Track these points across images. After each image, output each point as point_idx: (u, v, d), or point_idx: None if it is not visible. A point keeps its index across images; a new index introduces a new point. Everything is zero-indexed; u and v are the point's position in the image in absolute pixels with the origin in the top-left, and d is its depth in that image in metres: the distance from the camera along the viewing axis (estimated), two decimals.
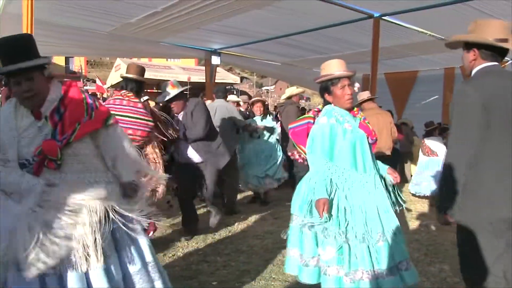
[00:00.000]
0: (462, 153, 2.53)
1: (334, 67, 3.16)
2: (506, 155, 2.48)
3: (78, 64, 25.31)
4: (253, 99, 7.51)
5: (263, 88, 26.77)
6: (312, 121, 3.31)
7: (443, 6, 6.32)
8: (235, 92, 14.62)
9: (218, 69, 13.89)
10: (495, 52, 2.57)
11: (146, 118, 4.55)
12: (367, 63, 8.00)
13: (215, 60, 10.36)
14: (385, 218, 2.99)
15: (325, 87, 3.17)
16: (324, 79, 3.16)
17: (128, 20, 7.23)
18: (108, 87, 17.19)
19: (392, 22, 7.36)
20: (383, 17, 7.15)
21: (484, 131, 2.47)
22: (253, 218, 6.19)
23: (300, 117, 3.59)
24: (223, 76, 16.07)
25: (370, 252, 2.90)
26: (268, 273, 4.11)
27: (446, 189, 2.60)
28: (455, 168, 2.53)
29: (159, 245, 4.91)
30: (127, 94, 4.59)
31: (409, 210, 6.66)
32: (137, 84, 4.72)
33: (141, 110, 4.54)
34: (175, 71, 15.56)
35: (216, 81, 11.82)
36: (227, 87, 14.49)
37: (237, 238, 5.33)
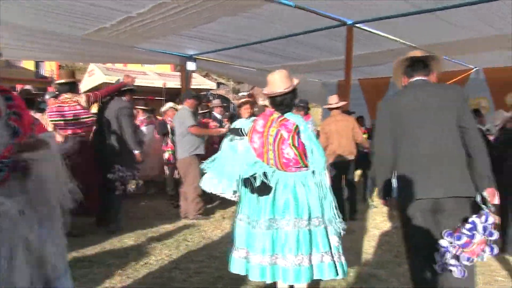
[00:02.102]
0: (378, 156, 3.24)
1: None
2: (415, 154, 3.06)
3: (49, 68, 24.63)
4: (240, 101, 7.46)
5: (240, 94, 26.72)
6: (300, 129, 3.49)
7: (412, 15, 6.46)
8: (211, 98, 14.58)
9: (194, 75, 13.82)
10: (417, 69, 3.22)
11: (84, 116, 5.67)
12: (342, 70, 8.08)
13: (191, 66, 10.34)
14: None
15: (296, 95, 3.55)
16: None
17: (102, 24, 7.14)
18: (81, 93, 16.89)
19: (365, 30, 7.45)
20: (356, 25, 7.25)
21: (398, 135, 3.12)
22: (227, 224, 6.17)
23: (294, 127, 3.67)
24: (199, 82, 16.01)
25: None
26: (241, 279, 4.08)
27: (378, 182, 3.25)
28: (377, 168, 3.24)
29: (131, 253, 4.87)
30: (65, 100, 5.63)
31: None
32: (70, 86, 5.80)
33: (79, 111, 5.63)
34: (151, 76, 15.42)
35: (192, 87, 11.79)
36: (203, 93, 14.48)
37: (211, 244, 5.32)
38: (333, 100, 6.77)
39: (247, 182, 3.40)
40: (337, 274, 3.30)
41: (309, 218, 3.27)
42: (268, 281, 3.30)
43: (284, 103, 3.45)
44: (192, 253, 4.97)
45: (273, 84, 3.46)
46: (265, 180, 3.34)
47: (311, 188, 3.33)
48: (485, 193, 3.00)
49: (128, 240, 5.41)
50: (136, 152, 6.01)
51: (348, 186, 6.90)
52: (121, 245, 5.22)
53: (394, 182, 3.22)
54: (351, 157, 6.66)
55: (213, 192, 5.83)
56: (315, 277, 3.28)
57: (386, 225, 6.35)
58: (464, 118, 3.06)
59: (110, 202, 5.87)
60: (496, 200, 3.05)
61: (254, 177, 3.38)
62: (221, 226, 6.13)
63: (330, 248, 3.31)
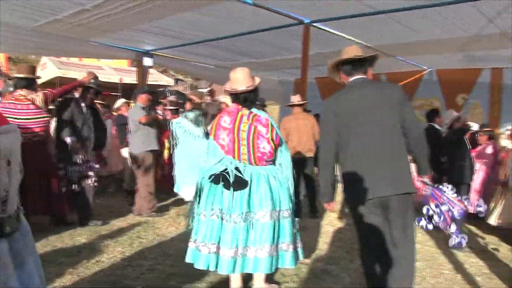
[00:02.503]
0: (322, 155, 3.26)
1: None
2: (359, 152, 3.12)
3: None
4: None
5: (198, 90, 26.58)
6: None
7: (368, 16, 6.58)
8: (168, 94, 14.38)
9: (152, 70, 13.65)
10: (355, 67, 3.25)
11: (38, 116, 5.36)
12: (299, 68, 8.15)
13: (147, 61, 10.19)
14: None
15: (258, 93, 3.64)
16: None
17: (54, 16, 6.93)
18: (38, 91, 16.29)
19: (322, 29, 7.54)
20: (313, 24, 7.32)
21: (342, 134, 3.15)
22: (182, 221, 6.13)
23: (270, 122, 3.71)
24: (156, 78, 15.81)
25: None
26: (195, 276, 4.07)
27: (322, 184, 3.27)
28: (321, 167, 3.27)
29: (83, 251, 4.76)
30: (19, 98, 5.29)
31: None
32: (28, 82, 5.41)
33: (32, 111, 5.32)
34: (107, 71, 15.09)
35: (149, 82, 11.63)
36: (160, 89, 14.27)
37: (165, 241, 5.26)
38: (296, 99, 6.98)
39: (218, 178, 3.44)
40: (296, 264, 3.50)
41: (280, 210, 3.45)
42: (237, 273, 3.46)
43: (248, 99, 3.55)
44: (145, 250, 4.90)
45: (236, 82, 3.54)
46: (240, 175, 3.42)
47: (281, 181, 3.50)
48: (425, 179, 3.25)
49: (80, 238, 5.29)
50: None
51: (307, 183, 6.98)
52: (72, 243, 5.10)
53: (339, 178, 3.33)
54: (310, 154, 6.80)
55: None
56: (279, 266, 3.46)
57: (340, 222, 6.46)
58: (407, 117, 3.16)
59: (74, 199, 5.84)
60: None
61: (226, 172, 3.43)
62: (175, 223, 6.08)
63: (294, 237, 3.51)
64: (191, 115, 6.45)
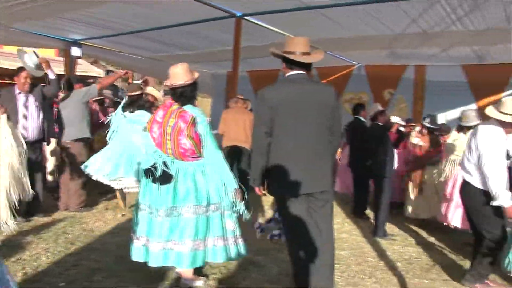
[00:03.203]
0: (255, 144, 3.32)
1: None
2: (288, 146, 3.21)
3: None
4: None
5: (134, 83, 25.79)
6: (197, 120, 3.58)
7: (299, 11, 6.68)
8: None
9: (81, 61, 13.18)
10: (298, 63, 3.26)
11: None
12: (231, 61, 8.15)
13: (76, 51, 9.83)
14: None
15: (197, 88, 3.70)
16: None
17: None
18: None
19: (253, 22, 7.57)
20: (245, 17, 7.34)
21: (274, 126, 3.20)
22: (110, 215, 6.00)
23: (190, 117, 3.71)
24: (85, 68, 15.26)
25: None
26: (121, 270, 4.02)
27: (254, 169, 3.37)
28: (253, 156, 3.34)
29: (2, 249, 4.54)
30: None
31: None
32: None
33: None
34: None
35: (77, 73, 11.23)
36: (90, 80, 13.82)
37: (91, 236, 5.13)
38: (239, 96, 7.29)
39: (148, 172, 3.53)
40: (228, 258, 3.58)
41: (208, 205, 3.50)
42: (165, 265, 3.56)
43: (184, 95, 3.59)
44: (71, 245, 4.75)
45: (174, 77, 3.59)
46: (166, 170, 3.49)
47: (209, 176, 3.54)
48: None
49: None
50: None
51: (240, 175, 7.03)
52: None
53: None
54: (245, 146, 6.86)
55: (96, 178, 5.65)
56: (208, 260, 3.55)
57: (270, 213, 6.55)
58: (336, 123, 3.35)
59: None
60: None
61: (155, 167, 3.52)
62: (103, 217, 5.94)
63: (224, 232, 3.56)
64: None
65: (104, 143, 6.96)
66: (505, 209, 3.75)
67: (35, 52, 5.86)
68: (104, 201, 7.00)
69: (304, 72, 3.33)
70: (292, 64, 3.30)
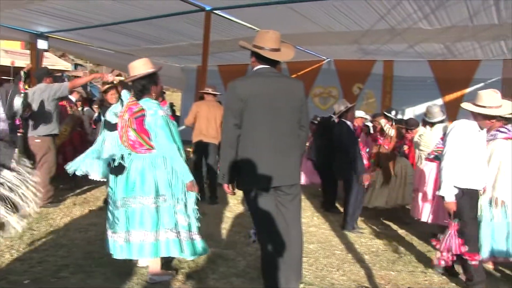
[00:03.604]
0: (225, 136, 3.27)
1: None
2: (257, 139, 3.21)
3: None
4: (105, 87, 7.07)
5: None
6: (144, 112, 3.56)
7: (268, 5, 6.71)
8: (66, 80, 13.69)
9: (48, 54, 12.94)
10: (267, 58, 3.24)
11: None
12: (200, 55, 8.12)
13: (42, 44, 9.65)
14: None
15: (154, 81, 3.67)
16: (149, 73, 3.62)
17: None
18: None
19: (223, 17, 7.56)
20: (214, 11, 7.32)
21: (244, 118, 3.18)
22: (78, 211, 5.92)
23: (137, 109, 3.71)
24: (52, 62, 14.95)
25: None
26: (88, 266, 3.98)
27: (223, 165, 3.27)
28: (223, 148, 3.30)
29: None
30: None
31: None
32: None
33: None
34: None
35: (44, 66, 10.98)
36: (58, 74, 13.55)
37: (58, 232, 5.04)
38: (210, 88, 7.02)
39: (108, 164, 3.70)
40: (182, 252, 3.54)
41: (157, 196, 3.50)
42: (125, 258, 3.57)
43: (138, 87, 3.62)
44: (36, 242, 4.65)
45: (131, 70, 3.64)
46: (121, 162, 3.57)
47: (160, 169, 3.54)
48: None
49: None
50: None
51: (208, 170, 7.03)
52: None
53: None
54: (214, 141, 6.84)
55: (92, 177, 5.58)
56: (162, 254, 3.52)
57: (239, 208, 6.59)
58: (304, 116, 3.37)
59: None
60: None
61: (114, 159, 3.64)
62: (71, 213, 5.85)
63: (176, 226, 3.53)
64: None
65: (64, 137, 6.89)
66: (446, 202, 3.87)
67: None
68: (72, 196, 6.89)
69: (271, 67, 3.33)
70: (261, 58, 3.29)
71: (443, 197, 3.90)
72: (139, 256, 3.54)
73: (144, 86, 3.62)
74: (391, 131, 6.81)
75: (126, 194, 3.53)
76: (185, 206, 3.59)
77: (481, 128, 3.90)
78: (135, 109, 3.54)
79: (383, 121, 6.96)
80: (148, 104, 3.56)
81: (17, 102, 5.71)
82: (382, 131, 6.88)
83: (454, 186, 3.84)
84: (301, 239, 3.48)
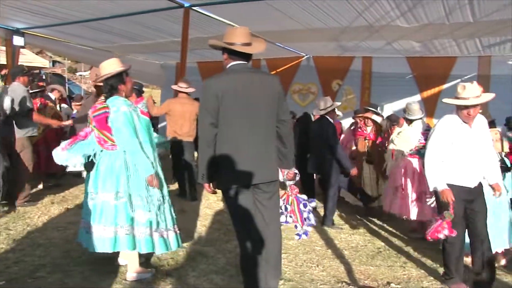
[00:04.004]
0: (202, 135, 3.24)
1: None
2: (235, 136, 3.20)
3: None
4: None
5: (77, 74, 25.03)
6: (107, 110, 3.64)
7: (248, 2, 6.69)
8: (44, 77, 13.50)
9: (25, 51, 12.73)
10: (240, 54, 3.24)
11: None
12: (179, 52, 8.07)
13: (18, 40, 9.45)
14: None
15: (122, 80, 3.71)
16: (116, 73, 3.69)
17: None
18: None
19: (202, 13, 7.53)
20: (193, 7, 7.28)
21: (220, 116, 3.17)
22: (55, 210, 5.86)
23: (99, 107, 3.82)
24: (29, 59, 14.74)
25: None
26: (66, 265, 3.96)
27: (201, 164, 3.27)
28: (201, 148, 3.27)
29: None
30: None
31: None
32: None
33: None
34: None
35: (20, 64, 10.79)
36: (35, 71, 13.35)
37: (35, 231, 5.00)
38: (184, 85, 6.98)
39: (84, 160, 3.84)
40: (134, 248, 3.59)
41: (117, 193, 3.60)
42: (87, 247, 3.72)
43: (107, 87, 3.71)
44: (13, 242, 4.61)
45: (101, 70, 3.75)
46: (93, 158, 3.73)
47: (122, 165, 3.62)
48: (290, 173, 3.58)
49: None
50: None
51: (186, 167, 7.01)
52: None
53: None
54: (190, 139, 6.83)
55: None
56: (119, 249, 3.63)
57: (219, 205, 6.60)
58: (282, 110, 3.36)
59: None
60: (297, 177, 3.75)
61: (88, 155, 3.78)
62: (48, 212, 5.79)
63: (133, 222, 3.60)
64: None
65: (38, 136, 6.79)
66: (440, 192, 3.90)
67: None
68: (50, 195, 6.81)
69: (245, 62, 3.33)
70: (233, 54, 3.28)
71: (435, 192, 3.96)
72: (99, 249, 3.59)
73: (112, 86, 3.69)
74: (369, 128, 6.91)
75: (93, 189, 3.69)
76: (147, 202, 3.61)
77: (464, 121, 3.93)
78: (98, 107, 3.73)
79: (376, 118, 7.03)
80: (114, 101, 3.63)
81: (7, 101, 5.65)
82: (380, 128, 6.94)
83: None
84: (280, 236, 3.51)
